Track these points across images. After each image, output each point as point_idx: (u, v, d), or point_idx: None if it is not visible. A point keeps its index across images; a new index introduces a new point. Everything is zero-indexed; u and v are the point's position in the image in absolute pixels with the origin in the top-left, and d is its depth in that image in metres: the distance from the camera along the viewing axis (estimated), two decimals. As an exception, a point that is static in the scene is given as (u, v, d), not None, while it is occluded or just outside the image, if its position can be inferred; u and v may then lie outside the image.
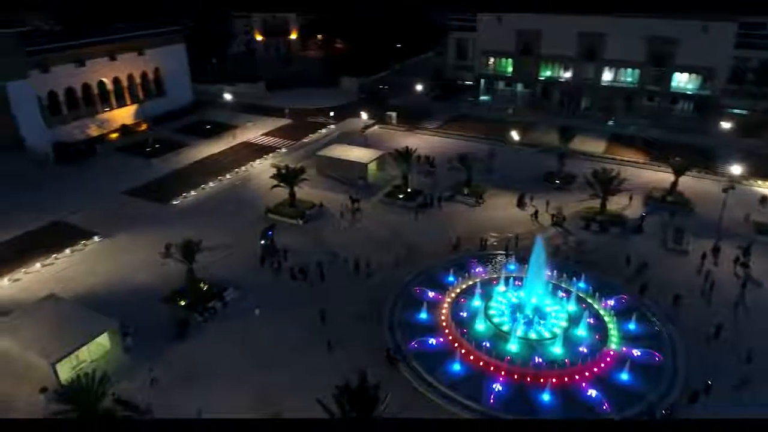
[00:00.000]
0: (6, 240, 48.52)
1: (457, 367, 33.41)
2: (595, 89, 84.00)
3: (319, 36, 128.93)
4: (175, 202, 56.44)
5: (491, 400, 30.97)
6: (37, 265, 44.62)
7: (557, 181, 59.81)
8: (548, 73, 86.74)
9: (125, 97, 78.62)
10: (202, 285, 40.77)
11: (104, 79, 75.62)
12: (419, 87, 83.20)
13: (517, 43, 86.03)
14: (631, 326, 36.97)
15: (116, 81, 77.12)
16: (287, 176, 52.42)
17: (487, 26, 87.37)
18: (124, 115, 77.62)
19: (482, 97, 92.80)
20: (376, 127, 79.96)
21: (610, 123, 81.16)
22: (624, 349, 35.08)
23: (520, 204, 54.95)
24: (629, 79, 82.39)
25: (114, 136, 74.57)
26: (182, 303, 39.19)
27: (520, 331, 35.30)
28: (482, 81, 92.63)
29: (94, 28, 75.06)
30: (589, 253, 46.69)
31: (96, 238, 48.87)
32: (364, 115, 74.16)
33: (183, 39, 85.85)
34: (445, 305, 38.74)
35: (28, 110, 63.57)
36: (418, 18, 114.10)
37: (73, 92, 72.17)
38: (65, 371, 31.66)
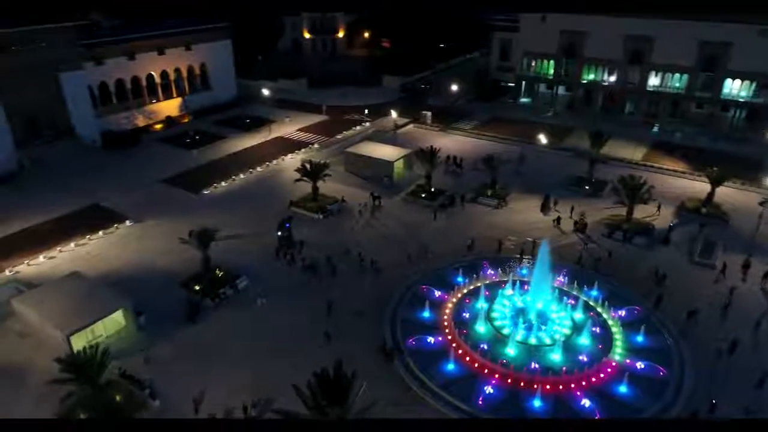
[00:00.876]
0: (48, 219, 51.94)
1: (451, 366, 33.41)
2: (640, 94, 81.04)
3: (366, 35, 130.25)
4: (205, 192, 58.75)
5: (480, 402, 30.83)
6: (72, 244, 47.65)
7: (587, 187, 58.31)
8: (591, 77, 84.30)
9: (172, 89, 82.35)
10: (217, 272, 42.40)
11: (153, 72, 79.51)
12: (455, 87, 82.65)
13: (560, 45, 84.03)
14: (639, 338, 35.81)
15: (164, 74, 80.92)
16: (311, 171, 53.58)
17: (530, 26, 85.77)
18: (169, 106, 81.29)
19: (522, 99, 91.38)
20: (410, 126, 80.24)
21: (654, 129, 78.30)
22: (627, 361, 34.06)
23: (544, 208, 53.99)
24: (677, 85, 78.91)
25: (158, 126, 78.28)
26: (197, 288, 40.92)
27: (519, 336, 34.89)
28: (523, 83, 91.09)
29: (146, 23, 78.67)
30: (608, 262, 45.33)
31: (128, 223, 51.63)
32: (393, 114, 74.52)
33: (229, 35, 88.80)
34: (450, 305, 38.72)
35: (79, 99, 67.70)
36: (465, 18, 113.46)
37: (123, 84, 76.30)
38: (80, 343, 33.73)
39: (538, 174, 62.41)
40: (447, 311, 38.11)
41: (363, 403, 25.63)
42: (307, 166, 54.04)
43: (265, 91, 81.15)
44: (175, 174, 62.93)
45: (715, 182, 53.21)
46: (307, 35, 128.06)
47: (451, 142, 73.56)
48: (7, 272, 43.49)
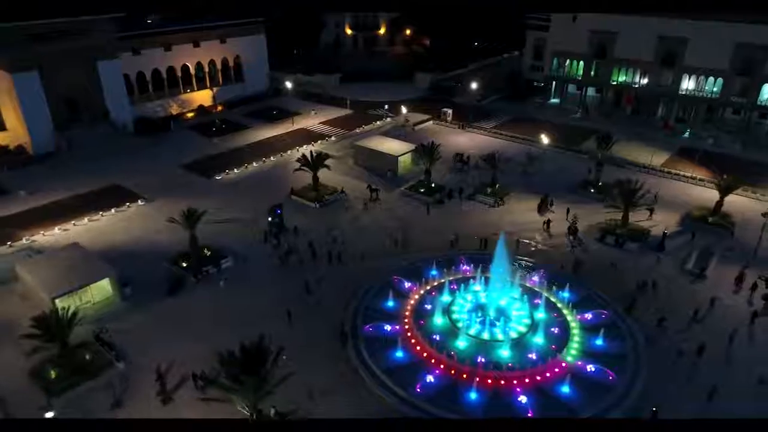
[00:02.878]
0: (71, 195, 56.54)
1: (399, 354, 34.28)
2: (672, 98, 77.85)
3: (408, 32, 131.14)
4: (217, 177, 61.92)
5: (417, 389, 31.58)
6: (85, 219, 51.75)
7: (592, 190, 57.10)
8: (622, 78, 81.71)
9: (206, 80, 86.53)
10: (205, 251, 45.05)
11: (188, 64, 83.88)
12: (474, 85, 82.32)
13: (590, 45, 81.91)
14: (599, 342, 35.36)
15: (198, 66, 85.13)
16: (311, 161, 55.41)
17: (560, 26, 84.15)
18: (202, 96, 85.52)
19: (552, 100, 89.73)
20: (430, 122, 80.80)
21: (685, 135, 75.13)
22: (579, 362, 33.78)
23: (541, 209, 53.43)
24: (713, 89, 75.24)
25: (190, 115, 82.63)
26: (183, 264, 43.66)
27: (473, 330, 35.26)
28: (554, 83, 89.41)
29: (185, 18, 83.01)
30: (592, 266, 44.61)
31: (140, 202, 55.38)
32: (404, 110, 75.26)
33: (264, 30, 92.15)
34: (416, 296, 39.47)
35: (114, 86, 72.50)
36: (503, 16, 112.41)
37: (159, 73, 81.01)
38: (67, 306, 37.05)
39: (547, 175, 61.70)
40: (411, 302, 38.90)
41: (283, 373, 27.24)
42: (308, 156, 55.90)
43: (288, 84, 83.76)
44: (195, 160, 66.52)
45: (724, 190, 50.91)
46: (349, 31, 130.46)
47: (466, 140, 73.65)
48: (24, 240, 47.95)
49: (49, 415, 28.34)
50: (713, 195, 54.72)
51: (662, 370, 33.57)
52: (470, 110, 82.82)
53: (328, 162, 57.27)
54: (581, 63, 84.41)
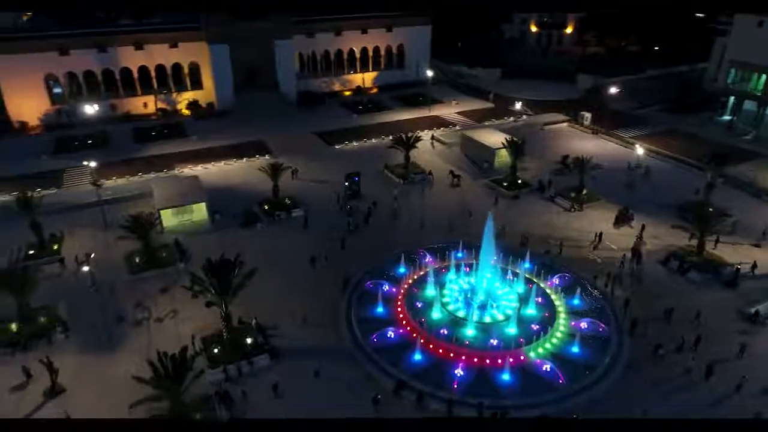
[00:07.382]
0: (224, 144, 70.50)
1: (380, 309, 38.19)
2: None
3: (597, 32, 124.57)
4: (336, 146, 70.71)
5: (373, 339, 35.38)
6: (222, 162, 64.91)
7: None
8: (812, 98, 68.46)
9: (368, 64, 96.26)
10: (286, 200, 53.81)
11: (354, 48, 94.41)
12: (613, 90, 76.77)
13: (778, 56, 70.19)
14: (575, 349, 34.51)
15: (363, 50, 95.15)
16: (404, 141, 60.41)
17: (742, 30, 73.45)
18: (361, 78, 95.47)
19: (725, 117, 78.89)
20: (564, 125, 78.52)
21: None
22: (538, 360, 33.72)
23: (618, 222, 50.41)
24: None
25: (347, 93, 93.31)
26: (266, 207, 53.01)
27: (452, 307, 37.35)
28: (731, 98, 78.41)
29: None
30: (632, 284, 41.91)
31: (267, 156, 66.81)
32: (518, 105, 74.23)
33: (430, 21, 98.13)
34: (426, 269, 42.36)
35: (285, 63, 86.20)
36: (697, 23, 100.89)
37: (328, 54, 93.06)
38: (168, 218, 49.14)
39: (657, 191, 57.23)
40: (420, 273, 41.99)
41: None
42: (403, 136, 60.96)
43: (429, 73, 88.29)
44: (328, 130, 76.23)
45: None
46: (534, 28, 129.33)
47: (590, 146, 70.36)
48: (175, 170, 62.59)
49: (85, 269, 39.58)
50: None
51: (625, 390, 31.69)
52: (616, 117, 77.90)
53: (438, 147, 61.33)
54: (763, 77, 72.72)
